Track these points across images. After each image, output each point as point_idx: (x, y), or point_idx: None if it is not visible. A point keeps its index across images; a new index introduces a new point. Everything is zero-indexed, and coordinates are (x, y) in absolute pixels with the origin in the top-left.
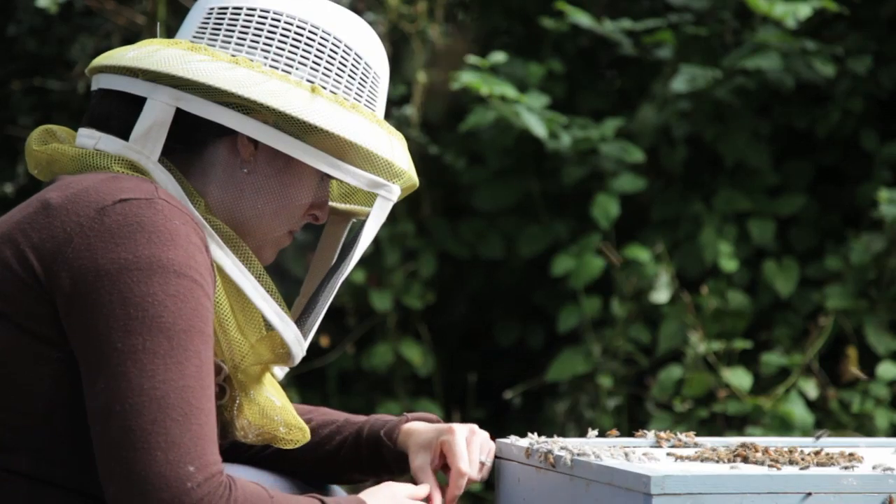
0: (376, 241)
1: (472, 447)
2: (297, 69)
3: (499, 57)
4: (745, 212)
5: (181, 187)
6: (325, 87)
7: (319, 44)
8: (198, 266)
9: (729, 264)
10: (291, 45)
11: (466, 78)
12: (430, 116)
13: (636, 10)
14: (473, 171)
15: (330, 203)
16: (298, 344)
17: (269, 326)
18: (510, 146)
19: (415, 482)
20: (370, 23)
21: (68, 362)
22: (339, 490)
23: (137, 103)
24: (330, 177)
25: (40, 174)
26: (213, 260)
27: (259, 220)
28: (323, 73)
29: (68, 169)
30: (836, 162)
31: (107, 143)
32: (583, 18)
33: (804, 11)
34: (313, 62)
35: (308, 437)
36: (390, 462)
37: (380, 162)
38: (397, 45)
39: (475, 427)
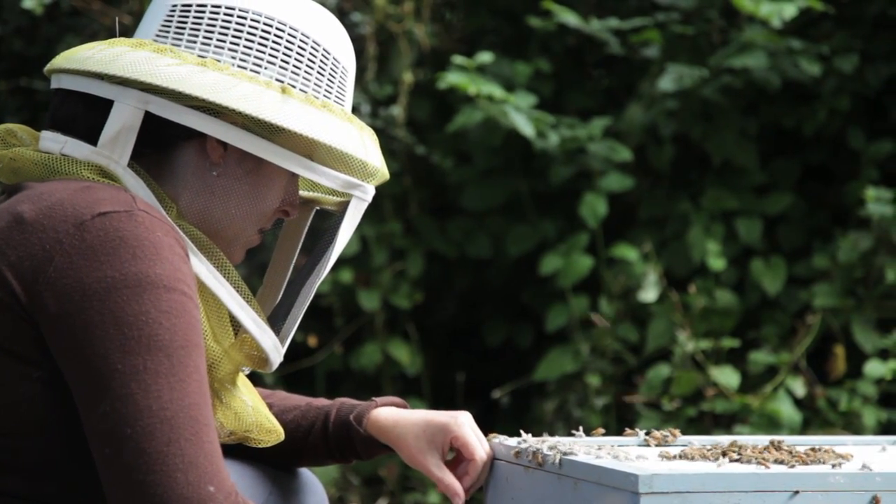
0: (364, 241)
1: (478, 434)
2: (265, 68)
3: (485, 57)
4: (733, 210)
5: (152, 193)
6: (294, 86)
7: (287, 41)
8: (185, 277)
9: (716, 263)
10: (259, 44)
11: (453, 78)
12: (417, 116)
13: (623, 9)
14: (461, 171)
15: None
16: (276, 351)
17: (241, 330)
18: (498, 146)
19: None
20: (357, 23)
21: (50, 382)
22: (307, 473)
23: (103, 106)
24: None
25: (5, 176)
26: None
27: (230, 221)
28: (292, 72)
29: (34, 175)
30: (823, 160)
31: (73, 147)
32: (570, 17)
33: (789, 11)
34: (282, 60)
35: (281, 437)
36: (358, 447)
37: (354, 163)
38: (384, 45)
39: (460, 413)
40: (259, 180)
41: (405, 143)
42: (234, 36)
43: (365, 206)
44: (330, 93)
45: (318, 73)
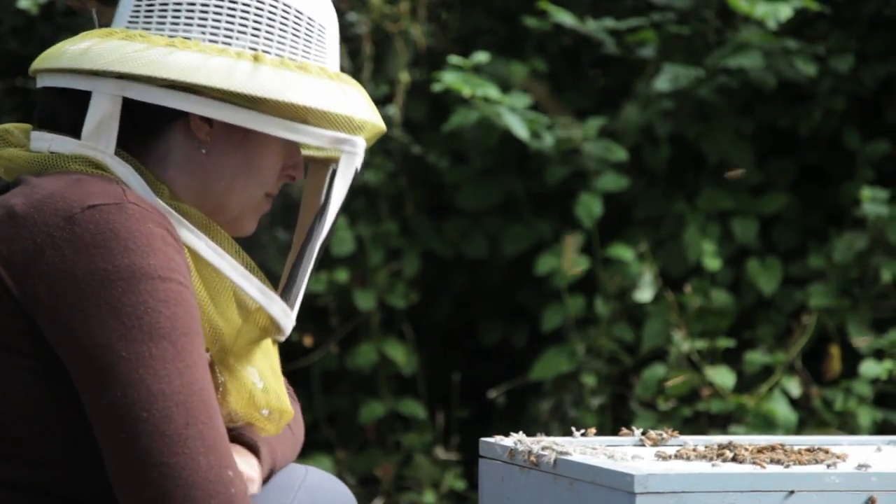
0: (360, 241)
1: None
2: (237, 38)
3: (481, 57)
4: (729, 211)
5: (143, 178)
6: (268, 52)
7: (256, 8)
8: (178, 268)
9: (712, 263)
10: (228, 15)
11: (449, 78)
12: (413, 116)
13: (619, 9)
14: (457, 171)
15: (305, 153)
16: (286, 315)
17: (251, 304)
18: (493, 146)
19: None
20: (353, 23)
21: (43, 372)
22: (333, 477)
23: (82, 98)
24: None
25: (5, 175)
26: (187, 245)
27: (230, 194)
28: (265, 38)
29: (29, 172)
30: (819, 161)
31: (60, 144)
32: (566, 18)
33: (785, 12)
34: (253, 28)
35: (290, 417)
36: None
37: (338, 119)
38: (380, 45)
39: None
40: (252, 150)
41: (401, 142)
42: (201, 10)
43: (355, 160)
44: (308, 52)
45: (293, 34)
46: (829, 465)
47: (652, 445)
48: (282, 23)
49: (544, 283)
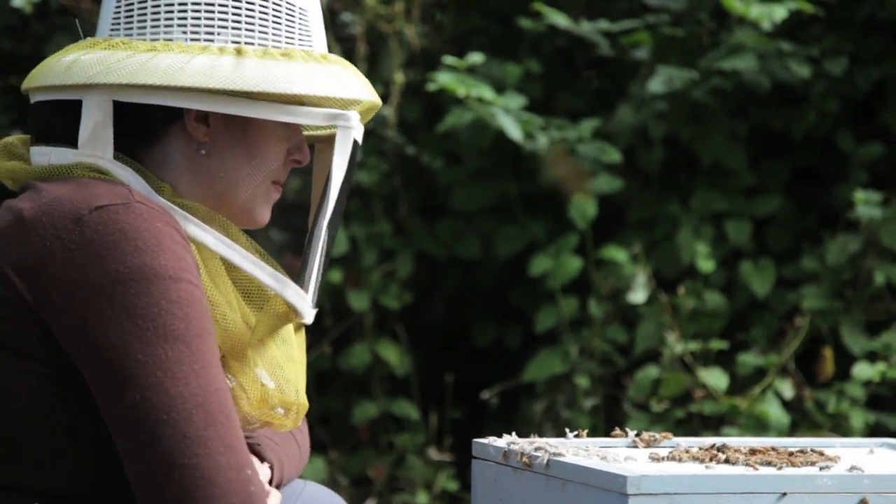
0: (353, 241)
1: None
2: (218, 34)
3: (476, 58)
4: (722, 212)
5: (144, 179)
6: (251, 44)
7: (235, 1)
8: (189, 266)
9: (706, 265)
10: (206, 12)
11: (443, 79)
12: (408, 116)
13: (613, 10)
14: (451, 172)
15: (307, 133)
16: (301, 299)
17: (265, 293)
18: (487, 147)
19: None
20: (347, 23)
21: (54, 377)
22: (327, 490)
23: (75, 107)
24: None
25: (12, 186)
26: (195, 240)
27: (236, 188)
28: (247, 30)
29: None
30: (812, 163)
31: (59, 156)
32: (560, 19)
33: (780, 13)
34: (233, 22)
35: (306, 408)
36: None
37: (328, 100)
38: (374, 46)
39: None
40: (252, 141)
41: (395, 143)
42: (180, 10)
43: (351, 133)
44: (292, 38)
45: (274, 22)
46: (821, 468)
47: (645, 447)
48: (261, 12)
49: (538, 284)
